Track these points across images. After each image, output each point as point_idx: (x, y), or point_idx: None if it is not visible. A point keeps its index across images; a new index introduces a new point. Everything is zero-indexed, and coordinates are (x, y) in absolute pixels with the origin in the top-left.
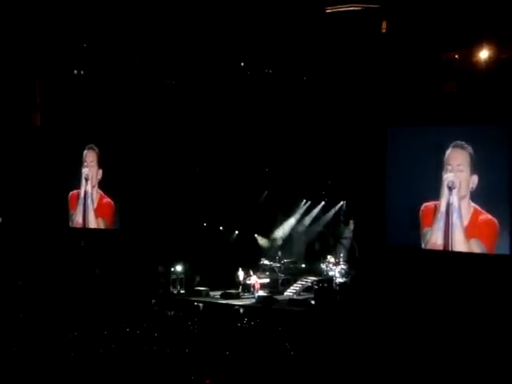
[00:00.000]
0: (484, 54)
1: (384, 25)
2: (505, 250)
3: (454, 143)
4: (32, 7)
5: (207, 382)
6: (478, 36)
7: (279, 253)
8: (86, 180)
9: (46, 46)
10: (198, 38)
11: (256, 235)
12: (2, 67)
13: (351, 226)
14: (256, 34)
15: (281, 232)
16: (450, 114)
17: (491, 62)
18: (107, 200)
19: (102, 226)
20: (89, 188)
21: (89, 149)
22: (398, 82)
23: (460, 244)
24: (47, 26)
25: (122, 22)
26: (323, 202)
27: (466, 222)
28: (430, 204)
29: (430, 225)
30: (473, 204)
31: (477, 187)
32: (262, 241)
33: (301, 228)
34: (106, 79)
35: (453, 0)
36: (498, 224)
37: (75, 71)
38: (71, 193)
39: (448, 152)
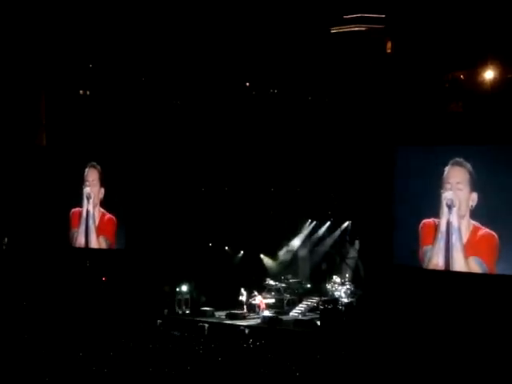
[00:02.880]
0: (489, 74)
1: (389, 45)
2: (507, 270)
3: (452, 160)
4: (38, 28)
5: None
6: (484, 56)
7: (285, 273)
8: (88, 199)
9: (52, 66)
10: (204, 58)
11: (261, 255)
12: (8, 87)
13: (356, 245)
14: (261, 54)
15: (286, 252)
16: (456, 134)
17: (497, 81)
18: (109, 216)
19: (103, 246)
20: (90, 207)
21: (90, 167)
22: (403, 102)
23: (459, 263)
24: (53, 47)
25: (128, 43)
26: (329, 222)
27: (464, 240)
28: (429, 221)
29: (431, 244)
30: (473, 222)
31: (477, 205)
32: (268, 261)
33: (306, 248)
34: (112, 99)
35: (458, 20)
36: (497, 239)
37: (81, 91)
38: (73, 210)
39: (447, 169)
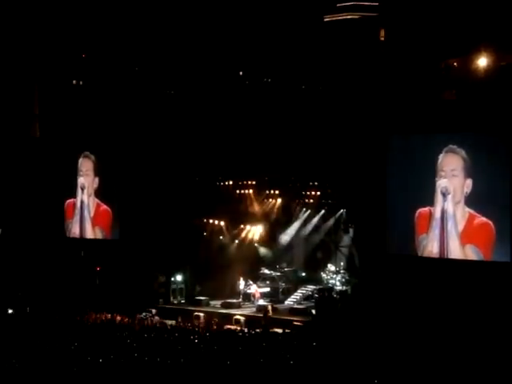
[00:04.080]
0: (483, 62)
1: (382, 33)
2: (503, 257)
3: (446, 148)
4: (31, 18)
5: None
6: (477, 43)
7: (279, 262)
8: (82, 189)
9: (44, 56)
10: (197, 47)
11: (256, 244)
12: (1, 78)
13: (351, 234)
14: (254, 43)
15: (281, 241)
16: (450, 122)
17: (490, 69)
18: (104, 208)
19: (99, 236)
20: (85, 197)
21: (84, 157)
22: (396, 90)
23: (455, 251)
24: (46, 37)
25: (121, 32)
26: (323, 211)
27: (460, 228)
28: (425, 209)
29: (426, 232)
30: (468, 209)
31: (471, 191)
32: (263, 250)
33: (301, 236)
34: (105, 89)
35: (451, 8)
36: (494, 227)
37: (74, 81)
38: (67, 201)
39: (441, 157)
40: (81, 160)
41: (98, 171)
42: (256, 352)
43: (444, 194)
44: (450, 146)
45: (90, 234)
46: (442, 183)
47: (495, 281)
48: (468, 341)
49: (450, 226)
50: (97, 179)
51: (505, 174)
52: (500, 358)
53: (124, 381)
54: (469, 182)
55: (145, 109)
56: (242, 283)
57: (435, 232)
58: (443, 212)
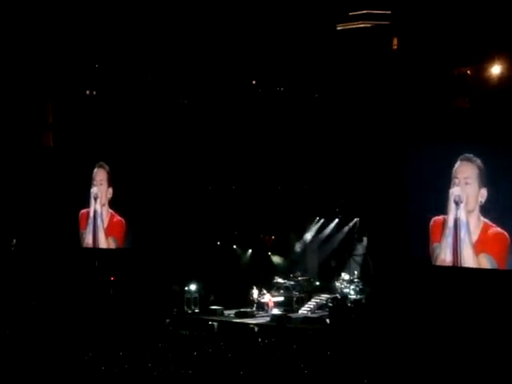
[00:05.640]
0: (496, 69)
1: (395, 41)
2: None
3: (462, 156)
4: (44, 29)
5: None
6: (490, 51)
7: (293, 271)
8: (95, 199)
9: (58, 67)
10: (210, 56)
11: (270, 253)
12: (14, 88)
13: (365, 242)
14: (267, 52)
15: (295, 250)
16: (463, 130)
17: (503, 76)
18: (118, 218)
19: (112, 246)
20: (98, 207)
21: (99, 167)
22: (410, 99)
23: (469, 260)
24: (60, 47)
25: (134, 42)
26: (337, 220)
27: (475, 238)
28: (439, 218)
29: (439, 240)
30: (483, 219)
31: (486, 201)
32: (276, 259)
33: (315, 246)
34: (119, 99)
35: (464, 16)
36: (509, 237)
37: (87, 92)
38: (81, 211)
39: (456, 165)
40: (95, 170)
41: (111, 181)
42: (270, 360)
43: (457, 203)
44: (466, 154)
45: (103, 243)
46: (454, 191)
47: (509, 289)
48: (482, 350)
49: (463, 234)
50: (110, 189)
51: None
52: None
53: None
54: (483, 191)
55: (158, 118)
56: (255, 292)
57: (448, 240)
58: (456, 220)
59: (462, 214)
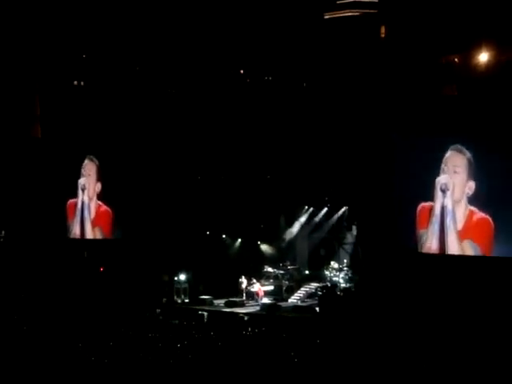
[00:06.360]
0: (484, 57)
1: (383, 30)
2: (503, 252)
3: (453, 146)
4: (31, 19)
5: None
6: (478, 39)
7: (283, 260)
8: (83, 190)
9: (45, 57)
10: (197, 46)
11: (259, 243)
12: (2, 79)
13: (354, 231)
14: (255, 41)
15: (284, 239)
16: (452, 118)
17: (491, 64)
18: (105, 208)
19: (98, 236)
20: (86, 198)
21: (88, 159)
22: (397, 87)
23: (453, 246)
24: (47, 38)
25: (121, 32)
26: (326, 208)
27: (460, 225)
28: (427, 204)
29: (426, 227)
30: (470, 207)
31: (474, 193)
32: (266, 248)
33: (304, 234)
34: (106, 90)
35: (451, 3)
36: (492, 222)
37: (75, 82)
38: (69, 202)
39: (447, 155)
40: (85, 162)
41: (100, 176)
42: (260, 350)
43: (443, 191)
44: (458, 145)
45: (89, 234)
46: (441, 179)
47: (497, 276)
48: (470, 337)
49: (448, 221)
50: (99, 184)
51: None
52: (501, 355)
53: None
54: (471, 183)
55: (145, 107)
56: (245, 282)
57: (435, 227)
58: (443, 208)
59: (449, 202)
